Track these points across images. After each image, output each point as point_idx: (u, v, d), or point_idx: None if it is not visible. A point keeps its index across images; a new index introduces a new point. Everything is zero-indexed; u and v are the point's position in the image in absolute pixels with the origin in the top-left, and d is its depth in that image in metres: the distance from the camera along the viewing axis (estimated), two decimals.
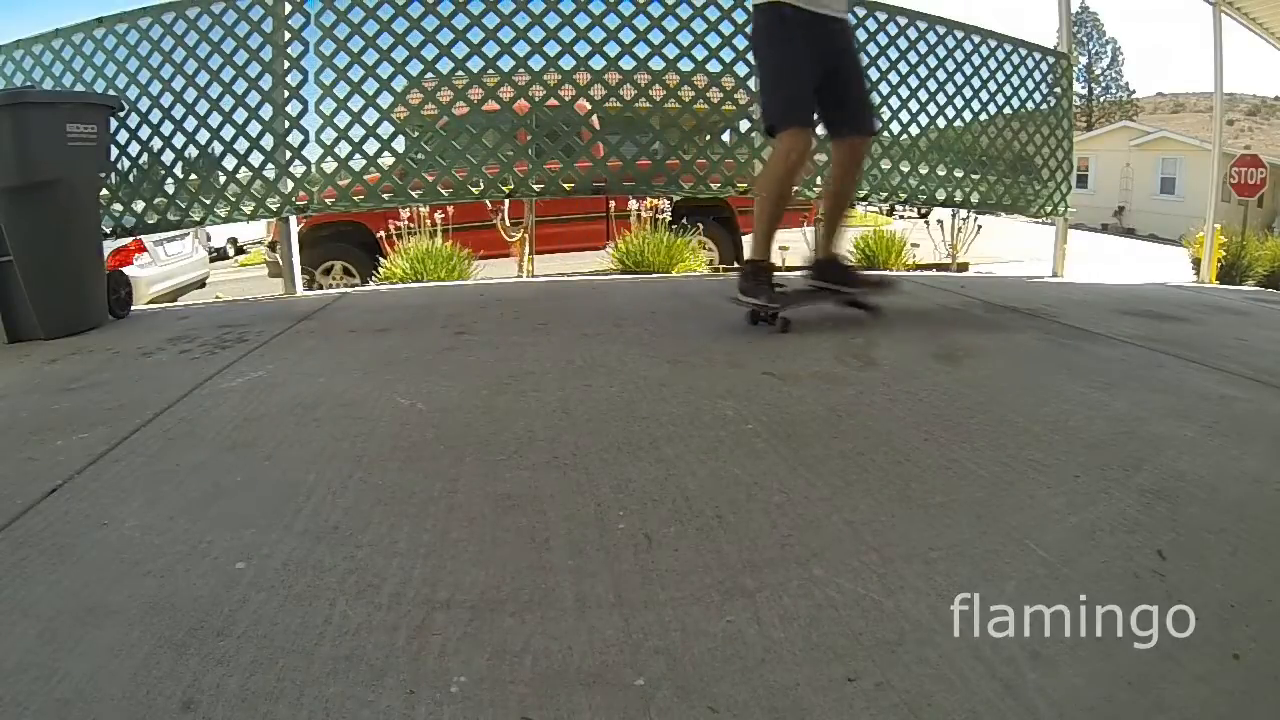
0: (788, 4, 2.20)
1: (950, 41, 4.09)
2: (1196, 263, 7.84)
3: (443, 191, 3.76)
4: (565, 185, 3.83)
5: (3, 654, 0.90)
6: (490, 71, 3.58)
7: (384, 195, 3.70)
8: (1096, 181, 23.23)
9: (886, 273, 2.63)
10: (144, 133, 3.42)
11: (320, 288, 5.36)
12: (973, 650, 0.89)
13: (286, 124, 3.48)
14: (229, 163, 3.47)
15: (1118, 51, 42.64)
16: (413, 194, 3.78)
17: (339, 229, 6.02)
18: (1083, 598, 0.99)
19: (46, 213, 2.63)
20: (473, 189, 3.67)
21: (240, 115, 3.42)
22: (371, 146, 3.52)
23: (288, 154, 3.51)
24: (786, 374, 1.98)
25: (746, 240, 6.46)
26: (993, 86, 4.24)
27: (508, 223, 5.45)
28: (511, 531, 1.18)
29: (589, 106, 3.78)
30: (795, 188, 2.48)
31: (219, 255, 14.81)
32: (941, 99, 4.12)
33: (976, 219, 6.42)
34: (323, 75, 3.45)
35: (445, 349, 2.32)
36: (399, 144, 3.65)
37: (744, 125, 3.97)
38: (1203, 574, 1.05)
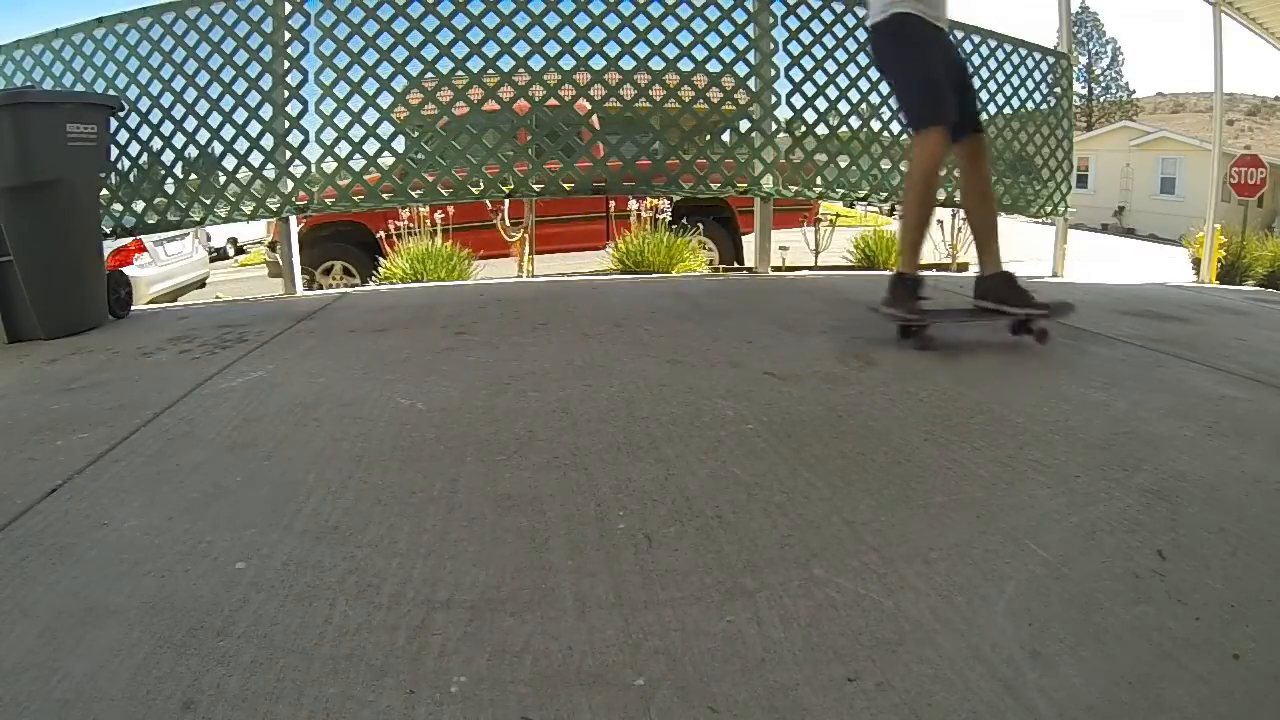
0: (915, 15, 2.26)
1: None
2: (1196, 263, 7.84)
3: (443, 191, 3.76)
4: (565, 185, 3.83)
5: (3, 654, 0.90)
6: (490, 71, 3.58)
7: (384, 195, 3.70)
8: (1096, 181, 23.23)
9: (1064, 297, 2.33)
10: (144, 133, 3.41)
11: (320, 288, 5.35)
12: (973, 650, 0.89)
13: (286, 124, 3.47)
14: (229, 163, 3.47)
15: (1118, 51, 42.64)
16: (413, 194, 3.78)
17: (339, 229, 6.01)
18: (1083, 598, 1.00)
19: (46, 213, 2.63)
20: (473, 189, 3.67)
21: (240, 115, 3.41)
22: (371, 146, 3.51)
23: (288, 154, 3.50)
24: (786, 374, 1.98)
25: (747, 240, 6.48)
26: (993, 86, 4.23)
27: (508, 223, 5.45)
28: (511, 531, 1.18)
29: (589, 106, 3.78)
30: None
31: (219, 255, 14.80)
32: None
33: None
34: (323, 75, 3.45)
35: (445, 349, 2.32)
36: (399, 144, 3.65)
37: (744, 125, 3.97)
38: (1203, 574, 1.05)
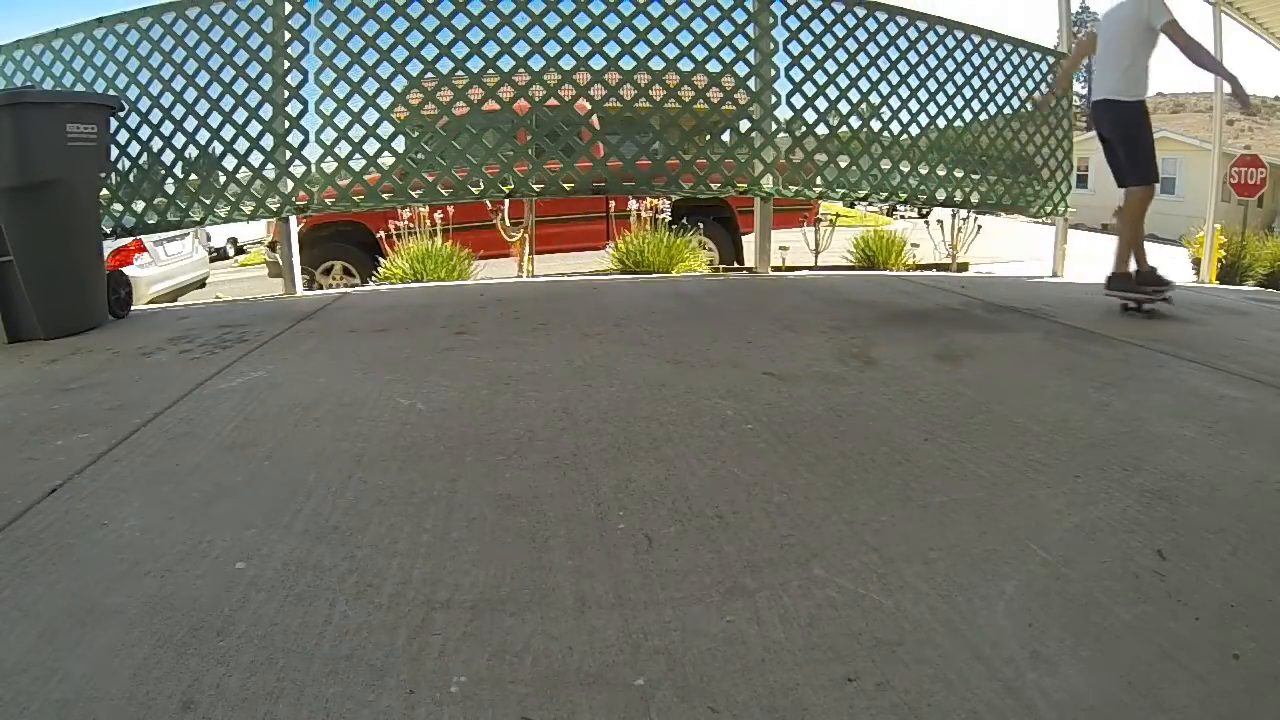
0: (1146, 102, 3.06)
1: (950, 41, 4.09)
2: (1196, 263, 7.83)
3: (443, 191, 3.76)
4: (565, 185, 3.83)
5: (3, 654, 0.90)
6: (490, 71, 3.58)
7: (384, 195, 3.70)
8: (1096, 181, 23.11)
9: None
10: (144, 133, 3.42)
11: (320, 288, 5.35)
12: (973, 650, 0.89)
13: (286, 124, 3.48)
14: (229, 163, 3.47)
15: None
16: (413, 194, 3.78)
17: (339, 229, 6.00)
18: (1083, 598, 1.00)
19: (46, 213, 2.63)
20: (473, 189, 3.67)
21: (240, 115, 3.42)
22: (371, 146, 3.51)
23: (288, 154, 3.50)
24: (786, 374, 1.98)
25: (747, 240, 6.47)
26: (993, 86, 4.23)
27: (508, 223, 5.45)
28: (511, 531, 1.18)
29: (589, 106, 3.78)
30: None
31: (219, 255, 14.77)
32: (941, 99, 4.12)
33: (976, 219, 6.42)
34: (323, 75, 3.45)
35: (445, 349, 2.32)
36: (399, 144, 3.65)
37: (744, 125, 3.96)
38: (1203, 574, 1.05)
